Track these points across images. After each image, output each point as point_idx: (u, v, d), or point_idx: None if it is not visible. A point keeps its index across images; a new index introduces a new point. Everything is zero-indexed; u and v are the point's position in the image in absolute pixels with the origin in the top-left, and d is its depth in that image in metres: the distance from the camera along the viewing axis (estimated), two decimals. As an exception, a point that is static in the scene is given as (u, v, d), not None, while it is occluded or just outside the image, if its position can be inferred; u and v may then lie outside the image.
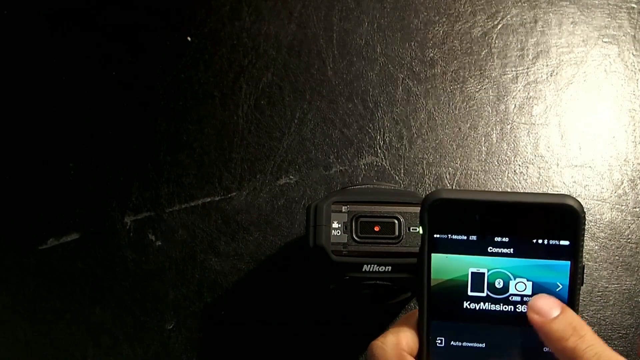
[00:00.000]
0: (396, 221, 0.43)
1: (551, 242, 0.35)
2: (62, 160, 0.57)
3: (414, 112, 0.57)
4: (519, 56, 0.58)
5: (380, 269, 0.43)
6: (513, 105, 0.57)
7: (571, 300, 0.35)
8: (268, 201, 0.56)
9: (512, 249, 0.35)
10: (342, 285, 0.46)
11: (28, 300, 0.55)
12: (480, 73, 0.58)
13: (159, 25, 0.60)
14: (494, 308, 0.36)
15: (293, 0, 0.60)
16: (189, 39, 0.59)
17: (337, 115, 0.57)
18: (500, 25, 0.59)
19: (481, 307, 0.36)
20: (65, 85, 0.59)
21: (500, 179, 0.56)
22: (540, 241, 0.35)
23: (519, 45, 0.59)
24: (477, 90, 0.58)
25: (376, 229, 0.43)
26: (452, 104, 0.58)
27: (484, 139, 0.57)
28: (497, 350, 0.36)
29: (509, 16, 0.59)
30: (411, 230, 0.43)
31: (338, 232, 0.43)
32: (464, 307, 0.36)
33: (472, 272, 0.36)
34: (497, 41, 0.59)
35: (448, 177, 0.56)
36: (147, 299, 0.54)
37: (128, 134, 0.58)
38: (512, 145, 0.57)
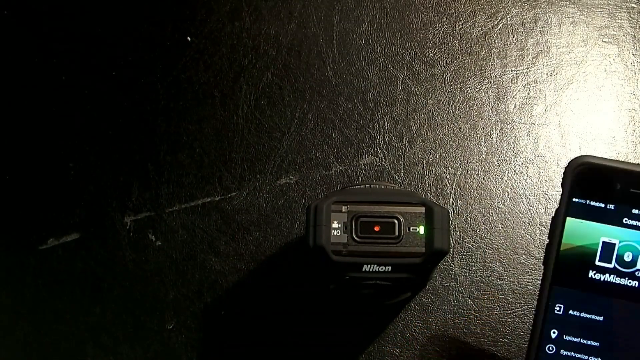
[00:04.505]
0: (396, 221, 0.43)
1: None
2: (62, 160, 0.57)
3: (414, 112, 0.57)
4: (519, 56, 0.58)
5: (380, 269, 0.43)
6: (513, 105, 0.57)
7: None
8: (268, 201, 0.56)
9: None
10: (342, 285, 0.46)
11: (28, 301, 0.55)
12: (480, 73, 0.58)
13: (159, 25, 0.60)
14: (619, 282, 0.35)
15: (293, 0, 0.60)
16: (189, 39, 0.59)
17: (337, 115, 0.57)
18: (500, 25, 0.59)
19: (606, 279, 0.36)
20: (65, 85, 0.59)
21: (500, 179, 0.56)
22: None
23: (519, 45, 0.59)
24: (477, 90, 0.58)
25: (376, 229, 0.43)
26: (452, 104, 0.58)
27: (484, 139, 0.57)
28: (614, 325, 0.36)
29: (509, 16, 0.59)
30: (411, 230, 0.43)
31: (338, 232, 0.43)
32: (589, 276, 0.36)
33: (603, 242, 0.35)
34: (497, 41, 0.59)
35: (448, 177, 0.56)
36: (147, 299, 0.54)
37: (128, 134, 0.58)
38: (512, 145, 0.57)
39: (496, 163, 0.56)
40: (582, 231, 0.36)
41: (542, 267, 0.36)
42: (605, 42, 0.59)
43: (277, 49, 0.59)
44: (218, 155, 0.57)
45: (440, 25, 0.59)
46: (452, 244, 0.54)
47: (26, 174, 0.57)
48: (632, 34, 0.59)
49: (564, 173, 0.35)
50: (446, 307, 0.53)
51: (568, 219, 0.35)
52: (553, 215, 0.37)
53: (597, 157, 0.36)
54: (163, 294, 0.54)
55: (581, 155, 0.35)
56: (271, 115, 0.57)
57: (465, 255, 0.54)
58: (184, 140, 0.57)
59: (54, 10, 0.60)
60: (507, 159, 0.56)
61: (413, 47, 0.59)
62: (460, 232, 0.54)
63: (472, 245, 0.54)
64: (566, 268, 0.36)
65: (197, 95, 0.58)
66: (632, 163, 0.36)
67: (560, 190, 0.37)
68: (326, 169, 0.56)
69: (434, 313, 0.53)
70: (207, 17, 0.60)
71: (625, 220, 0.35)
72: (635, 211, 0.35)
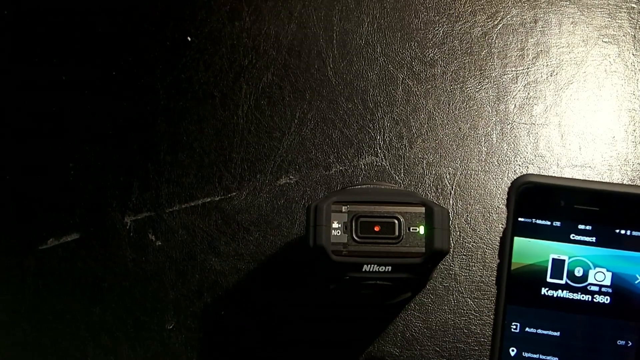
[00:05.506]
0: (396, 221, 0.43)
1: (634, 233, 0.35)
2: (62, 160, 0.57)
3: (414, 112, 0.57)
4: (519, 56, 0.58)
5: (380, 269, 0.43)
6: (513, 105, 0.57)
7: None
8: (268, 201, 0.56)
9: (594, 238, 0.35)
10: (342, 285, 0.46)
11: (28, 300, 0.55)
12: (480, 73, 0.58)
13: (159, 25, 0.60)
14: (572, 297, 0.36)
15: (293, 0, 0.60)
16: (189, 39, 0.59)
17: (337, 115, 0.57)
18: (500, 25, 0.59)
19: (559, 295, 0.36)
20: (65, 85, 0.59)
21: (500, 179, 0.56)
22: (623, 232, 0.35)
23: (519, 45, 0.59)
24: (477, 90, 0.58)
25: (376, 229, 0.43)
26: (452, 104, 0.58)
27: (484, 139, 0.57)
28: (571, 339, 0.36)
29: (509, 16, 0.59)
30: (411, 230, 0.43)
31: (338, 232, 0.43)
32: (542, 293, 0.36)
33: (553, 259, 0.36)
34: (497, 41, 0.59)
35: (448, 177, 0.56)
36: (147, 299, 0.54)
37: (128, 134, 0.58)
38: (512, 145, 0.57)
39: (496, 163, 0.56)
40: (531, 249, 0.36)
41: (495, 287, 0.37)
42: (605, 42, 0.59)
43: (277, 49, 0.59)
44: (218, 155, 0.57)
45: (440, 25, 0.59)
46: (452, 244, 0.54)
47: (26, 174, 0.57)
48: (632, 34, 0.59)
49: (507, 193, 0.36)
50: (446, 307, 0.53)
51: (516, 238, 0.36)
52: (501, 235, 0.37)
53: (540, 175, 0.36)
54: (163, 294, 0.54)
55: (524, 175, 0.36)
56: (271, 115, 0.57)
57: (465, 255, 0.54)
58: (184, 140, 0.57)
59: (54, 10, 0.60)
60: (507, 159, 0.56)
61: (413, 47, 0.59)
62: (460, 232, 0.54)
63: (472, 245, 0.54)
64: (519, 287, 0.37)
65: (197, 95, 0.58)
66: (574, 179, 0.36)
67: (506, 210, 0.37)
68: (326, 169, 0.56)
69: (434, 313, 0.53)
70: (207, 17, 0.60)
71: (573, 236, 0.36)
72: (581, 227, 0.35)
